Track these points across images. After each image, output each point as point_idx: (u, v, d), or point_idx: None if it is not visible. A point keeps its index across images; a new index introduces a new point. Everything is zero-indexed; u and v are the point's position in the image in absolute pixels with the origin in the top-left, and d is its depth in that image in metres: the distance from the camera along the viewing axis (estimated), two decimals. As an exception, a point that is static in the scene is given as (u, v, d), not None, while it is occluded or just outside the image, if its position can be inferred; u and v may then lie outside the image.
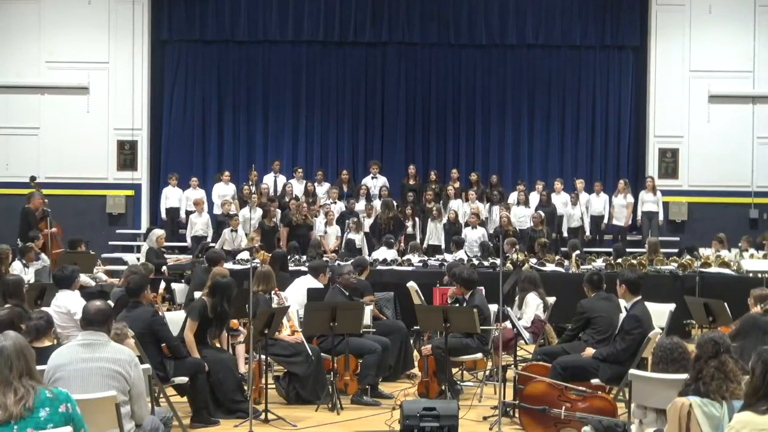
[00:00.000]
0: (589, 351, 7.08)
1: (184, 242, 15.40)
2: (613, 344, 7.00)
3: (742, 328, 6.98)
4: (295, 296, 8.88)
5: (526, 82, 17.29)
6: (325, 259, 12.29)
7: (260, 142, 17.29)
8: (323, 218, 14.75)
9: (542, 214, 14.57)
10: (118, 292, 8.60)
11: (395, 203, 15.14)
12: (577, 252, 12.59)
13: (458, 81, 17.32)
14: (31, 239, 11.81)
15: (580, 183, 15.78)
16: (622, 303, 7.44)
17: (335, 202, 15.15)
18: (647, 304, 7.29)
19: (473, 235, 14.23)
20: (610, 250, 13.66)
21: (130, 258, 14.03)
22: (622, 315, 7.32)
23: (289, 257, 11.76)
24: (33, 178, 14.22)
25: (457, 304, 8.23)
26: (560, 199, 15.67)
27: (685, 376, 4.78)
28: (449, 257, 12.63)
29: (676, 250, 14.07)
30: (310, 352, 7.76)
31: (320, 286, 9.10)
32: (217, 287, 7.46)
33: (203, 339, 7.38)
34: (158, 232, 13.18)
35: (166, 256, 13.41)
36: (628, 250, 13.52)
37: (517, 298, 9.20)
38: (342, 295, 8.36)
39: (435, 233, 14.75)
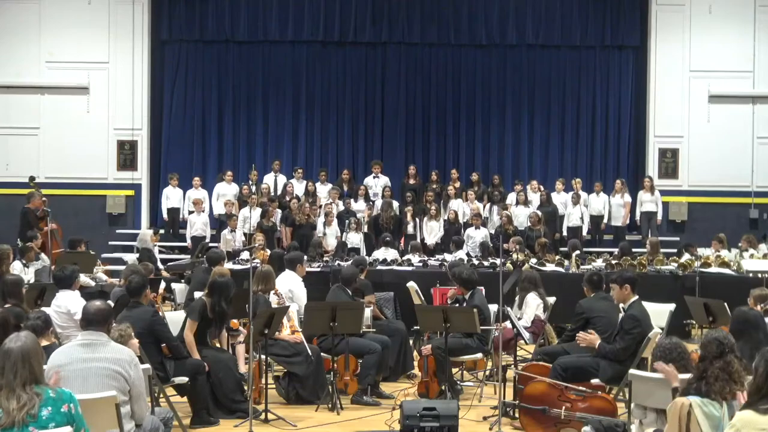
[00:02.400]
0: (595, 338, 7.04)
1: (184, 242, 15.41)
2: (613, 343, 6.99)
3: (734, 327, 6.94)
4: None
5: (526, 82, 17.30)
6: (328, 257, 12.33)
7: (260, 142, 17.30)
8: (323, 218, 14.75)
9: (539, 213, 14.59)
10: (119, 292, 8.60)
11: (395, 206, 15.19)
12: (577, 252, 12.59)
13: (458, 81, 17.33)
14: (30, 239, 11.80)
15: (577, 183, 15.77)
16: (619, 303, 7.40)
17: (335, 202, 15.16)
18: (647, 303, 7.28)
19: (477, 235, 14.24)
20: (610, 250, 13.65)
21: (130, 258, 13.98)
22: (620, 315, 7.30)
23: (287, 257, 11.74)
24: (32, 179, 14.22)
25: (457, 304, 8.23)
26: (560, 199, 15.68)
27: (684, 375, 4.77)
28: (449, 257, 12.63)
29: (676, 250, 14.06)
30: (309, 352, 7.76)
31: (299, 278, 9.09)
32: (214, 287, 7.47)
33: (203, 339, 7.38)
34: (148, 231, 13.19)
35: (163, 256, 13.38)
36: (627, 249, 13.52)
37: (517, 298, 9.20)
38: (345, 294, 8.36)
39: (433, 232, 14.78)
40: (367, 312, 8.43)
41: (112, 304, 6.95)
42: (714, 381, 4.36)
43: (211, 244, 14.32)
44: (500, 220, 14.65)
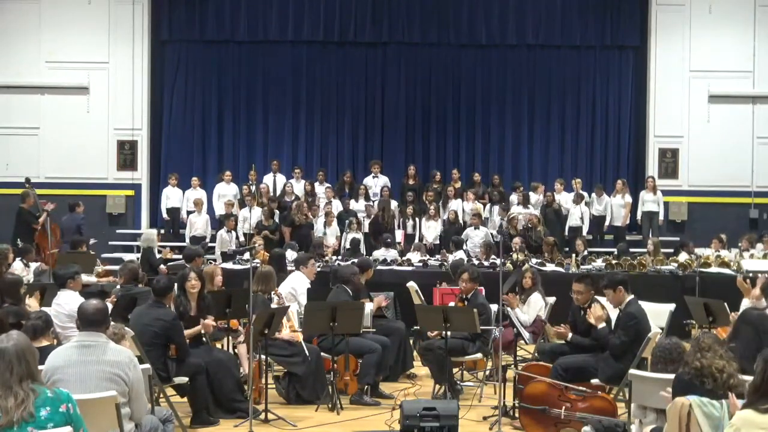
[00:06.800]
0: (604, 314, 7.01)
1: (184, 242, 15.39)
2: (613, 339, 6.97)
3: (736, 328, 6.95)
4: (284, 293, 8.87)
5: (526, 82, 17.30)
6: (328, 257, 12.32)
7: (260, 142, 17.30)
8: (323, 218, 14.75)
9: (537, 214, 14.63)
10: (119, 291, 8.60)
11: (393, 206, 15.19)
12: (585, 252, 12.62)
13: (458, 81, 17.32)
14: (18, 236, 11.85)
15: (577, 183, 15.76)
16: (608, 305, 7.39)
17: (330, 201, 15.13)
18: (647, 304, 7.26)
19: (477, 236, 14.24)
20: (611, 250, 13.65)
21: (130, 258, 14.00)
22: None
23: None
24: (27, 180, 14.16)
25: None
26: (561, 199, 15.68)
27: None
28: (450, 257, 12.61)
29: (672, 250, 14.06)
30: (307, 352, 7.75)
31: (305, 279, 9.09)
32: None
33: (199, 338, 7.38)
34: (152, 231, 13.16)
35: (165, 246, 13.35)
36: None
37: (522, 296, 9.18)
38: (346, 294, 8.34)
39: (432, 232, 14.78)
40: (367, 310, 8.41)
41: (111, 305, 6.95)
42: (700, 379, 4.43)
43: (211, 244, 14.32)
44: (501, 221, 14.65)
